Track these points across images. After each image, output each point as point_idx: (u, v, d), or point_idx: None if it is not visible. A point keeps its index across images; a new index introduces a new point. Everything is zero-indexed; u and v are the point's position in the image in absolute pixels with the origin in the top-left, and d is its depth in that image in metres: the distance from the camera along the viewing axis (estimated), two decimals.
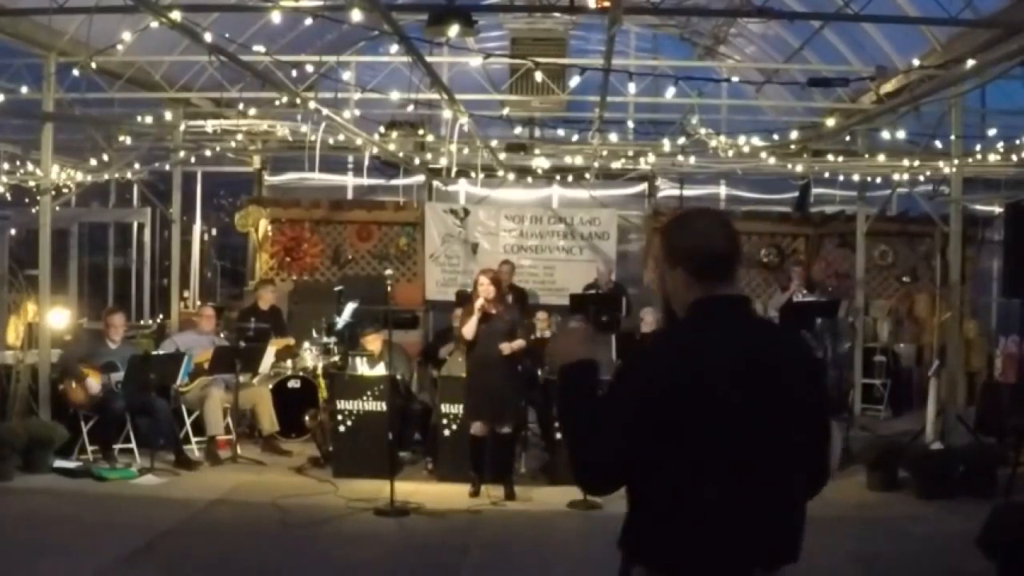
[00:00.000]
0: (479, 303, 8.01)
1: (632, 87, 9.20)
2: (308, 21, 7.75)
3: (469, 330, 8.00)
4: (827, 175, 13.17)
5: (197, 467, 8.84)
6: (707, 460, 2.39)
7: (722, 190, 14.89)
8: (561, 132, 12.23)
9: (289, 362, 10.35)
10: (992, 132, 9.87)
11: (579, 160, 12.82)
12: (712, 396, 2.40)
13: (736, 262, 2.56)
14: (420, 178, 14.51)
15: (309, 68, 9.51)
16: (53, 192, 9.93)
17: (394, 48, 9.70)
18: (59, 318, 10.50)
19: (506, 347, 7.96)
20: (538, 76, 9.24)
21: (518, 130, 12.86)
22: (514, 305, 8.76)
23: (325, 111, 9.39)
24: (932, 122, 9.89)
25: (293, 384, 10.08)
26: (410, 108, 10.27)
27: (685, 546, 2.41)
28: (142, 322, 13.68)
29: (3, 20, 7.98)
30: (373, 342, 9.44)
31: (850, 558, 6.62)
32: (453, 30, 6.75)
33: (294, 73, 9.41)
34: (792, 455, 2.48)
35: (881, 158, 11.35)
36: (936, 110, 9.58)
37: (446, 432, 8.50)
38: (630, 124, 12.09)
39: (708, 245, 2.53)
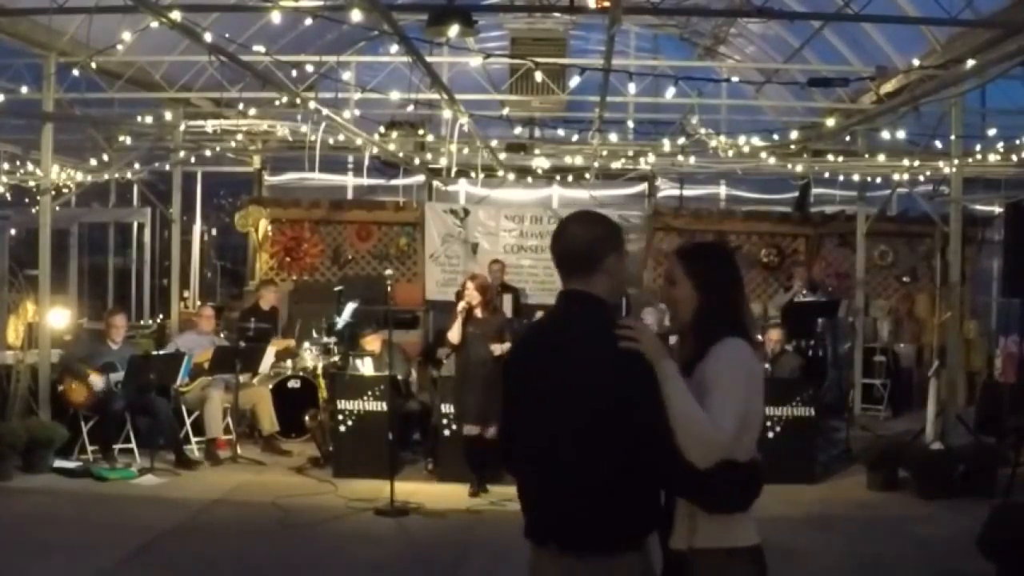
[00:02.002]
0: (461, 305, 8.05)
1: (632, 87, 9.20)
2: (308, 21, 7.75)
3: (455, 334, 8.05)
4: (827, 175, 13.18)
5: (197, 467, 8.84)
6: (521, 434, 2.87)
7: (722, 190, 14.89)
8: (561, 132, 12.23)
9: (289, 362, 10.35)
10: (992, 132, 9.86)
11: (579, 160, 12.83)
12: (516, 378, 2.94)
13: (572, 260, 2.84)
14: (420, 178, 14.51)
15: (309, 68, 9.50)
16: (53, 192, 9.93)
17: (394, 48, 9.70)
18: (59, 318, 10.50)
19: (497, 348, 7.97)
20: (538, 76, 9.23)
21: (518, 130, 12.86)
22: (502, 310, 8.76)
23: (325, 111, 9.39)
24: (932, 122, 9.89)
25: (293, 384, 10.08)
26: (410, 108, 10.26)
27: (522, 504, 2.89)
28: (142, 322, 13.67)
29: (3, 20, 7.98)
30: (372, 342, 9.44)
31: (850, 558, 6.62)
32: (453, 30, 6.75)
33: (294, 73, 9.41)
34: (585, 443, 2.68)
35: (881, 158, 11.36)
36: (936, 110, 9.58)
37: (446, 432, 8.50)
38: (630, 124, 12.09)
39: (553, 245, 2.89)
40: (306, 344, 10.29)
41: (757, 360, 2.89)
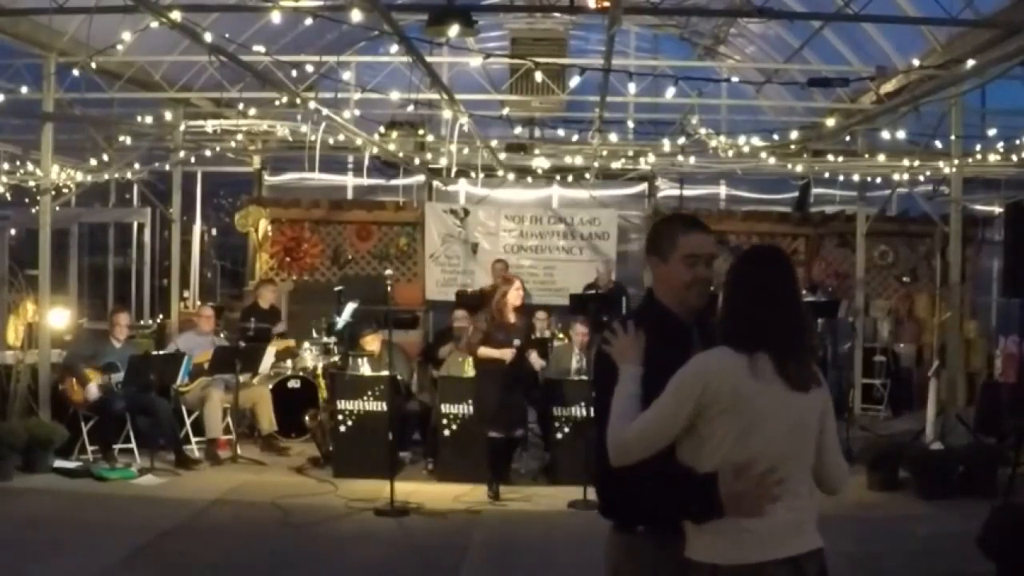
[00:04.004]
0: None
1: (632, 87, 9.21)
2: (308, 21, 7.75)
3: (506, 354, 8.02)
4: (827, 175, 13.17)
5: (197, 467, 8.83)
6: None
7: (722, 190, 14.88)
8: (561, 132, 12.24)
9: (289, 362, 10.35)
10: (992, 132, 9.87)
11: (579, 160, 12.82)
12: None
13: None
14: (420, 178, 14.51)
15: (309, 68, 9.51)
16: (53, 192, 9.93)
17: (394, 48, 9.70)
18: (59, 318, 10.49)
19: (536, 360, 8.19)
20: (538, 76, 9.25)
21: (518, 130, 12.86)
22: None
23: (325, 111, 9.39)
24: (932, 122, 9.89)
25: (293, 384, 10.08)
26: (410, 108, 10.27)
27: None
28: (142, 322, 13.67)
29: (3, 20, 7.98)
30: (372, 342, 9.42)
31: (850, 558, 6.61)
32: (453, 30, 6.75)
33: (294, 73, 9.42)
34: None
35: (881, 158, 11.36)
36: (936, 110, 9.58)
37: (446, 432, 8.50)
38: (630, 124, 12.09)
39: None
40: (306, 344, 10.29)
41: (730, 371, 2.65)
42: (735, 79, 10.88)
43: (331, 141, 10.97)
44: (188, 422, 9.41)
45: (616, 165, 12.99)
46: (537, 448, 9.34)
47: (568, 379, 8.79)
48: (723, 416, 2.64)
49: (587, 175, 13.48)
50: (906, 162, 10.99)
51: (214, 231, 16.19)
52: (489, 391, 8.03)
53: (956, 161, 9.85)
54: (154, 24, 6.89)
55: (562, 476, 8.30)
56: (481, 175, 12.81)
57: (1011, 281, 8.84)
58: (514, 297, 8.10)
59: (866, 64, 9.73)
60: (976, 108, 10.96)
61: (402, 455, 8.88)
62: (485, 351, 8.05)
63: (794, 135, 10.98)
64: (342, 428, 8.60)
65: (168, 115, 11.13)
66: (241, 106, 10.51)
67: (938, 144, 10.27)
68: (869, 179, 12.67)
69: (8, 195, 12.91)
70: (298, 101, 9.26)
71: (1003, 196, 11.29)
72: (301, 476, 8.69)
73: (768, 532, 2.65)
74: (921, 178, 11.72)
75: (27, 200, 12.61)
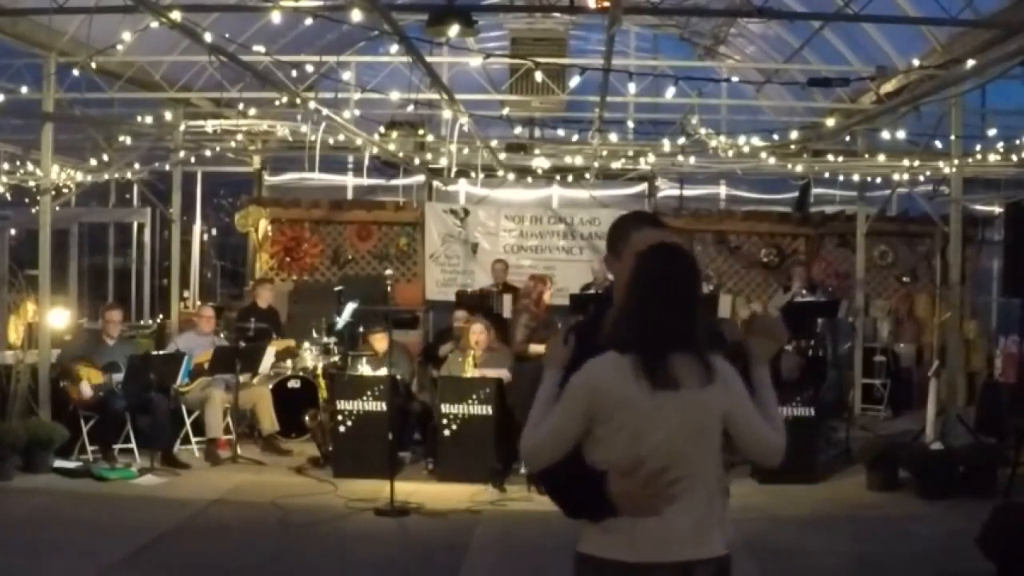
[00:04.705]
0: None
1: (632, 87, 9.22)
2: (308, 21, 7.75)
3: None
4: (827, 175, 13.17)
5: (186, 468, 8.77)
6: None
7: (722, 190, 14.88)
8: (561, 132, 12.24)
9: (289, 362, 10.35)
10: (992, 132, 9.87)
11: (579, 160, 12.82)
12: None
13: None
14: (420, 178, 14.51)
15: (309, 68, 9.52)
16: (53, 192, 9.93)
17: (394, 48, 9.70)
18: (59, 318, 10.50)
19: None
20: (538, 76, 9.25)
21: (518, 130, 12.86)
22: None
23: (325, 111, 9.39)
24: (932, 122, 9.89)
25: (293, 384, 10.08)
26: (410, 108, 10.27)
27: None
28: (142, 322, 13.67)
29: (3, 20, 7.98)
30: (380, 340, 9.37)
31: (850, 558, 6.62)
32: (453, 30, 6.75)
33: (294, 73, 9.42)
34: None
35: (881, 158, 11.36)
36: (936, 110, 9.58)
37: (446, 432, 8.49)
38: (630, 124, 12.09)
39: None
40: (306, 344, 10.29)
41: (616, 377, 2.63)
42: (735, 79, 10.89)
43: (331, 141, 10.97)
44: (188, 422, 9.41)
45: (616, 165, 12.99)
46: None
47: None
48: (613, 420, 2.63)
49: (587, 175, 13.49)
50: (906, 162, 10.99)
51: (214, 231, 16.20)
52: (534, 386, 8.01)
53: (956, 161, 9.85)
54: (154, 24, 6.89)
55: None
56: (481, 175, 12.81)
57: (1011, 281, 8.85)
58: (547, 296, 8.26)
59: (866, 64, 9.73)
60: (976, 108, 10.96)
61: (402, 455, 8.88)
62: (536, 347, 8.09)
63: (794, 135, 10.98)
64: (342, 428, 8.59)
65: (168, 115, 11.13)
66: (241, 106, 10.50)
67: (938, 144, 10.28)
68: (869, 179, 12.66)
69: (8, 195, 12.92)
70: (298, 101, 9.26)
71: (1003, 196, 11.30)
72: (301, 476, 8.69)
73: (661, 534, 2.60)
74: (921, 178, 11.72)
75: (27, 200, 12.62)
